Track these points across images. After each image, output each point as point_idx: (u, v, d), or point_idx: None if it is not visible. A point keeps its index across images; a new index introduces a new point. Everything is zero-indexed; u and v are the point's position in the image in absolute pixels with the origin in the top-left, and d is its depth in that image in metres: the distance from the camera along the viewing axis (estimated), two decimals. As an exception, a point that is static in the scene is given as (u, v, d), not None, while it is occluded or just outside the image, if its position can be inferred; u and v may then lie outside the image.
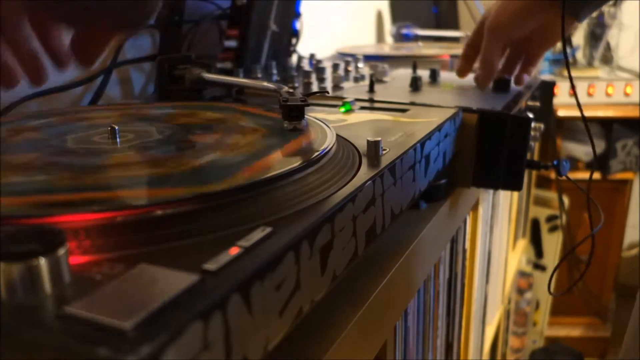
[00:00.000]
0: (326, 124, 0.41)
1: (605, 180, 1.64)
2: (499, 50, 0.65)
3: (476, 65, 0.68)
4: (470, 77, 0.71)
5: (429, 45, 1.22)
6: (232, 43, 0.74)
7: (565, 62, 0.62)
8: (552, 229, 1.66)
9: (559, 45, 1.71)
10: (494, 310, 1.05)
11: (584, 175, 1.60)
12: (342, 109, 0.51)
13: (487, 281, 0.88)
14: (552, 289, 1.65)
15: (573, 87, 0.57)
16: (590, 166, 1.62)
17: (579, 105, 0.57)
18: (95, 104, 0.62)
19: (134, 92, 0.73)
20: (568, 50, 1.65)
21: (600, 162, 1.62)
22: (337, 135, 0.39)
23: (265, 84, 0.52)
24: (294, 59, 0.89)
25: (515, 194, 1.11)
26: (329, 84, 0.67)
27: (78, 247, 0.23)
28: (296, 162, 0.31)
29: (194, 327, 0.18)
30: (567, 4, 0.57)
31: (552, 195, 1.64)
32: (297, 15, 0.88)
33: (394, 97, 0.59)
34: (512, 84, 0.67)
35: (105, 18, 0.39)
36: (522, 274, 1.46)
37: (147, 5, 0.39)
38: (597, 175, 1.61)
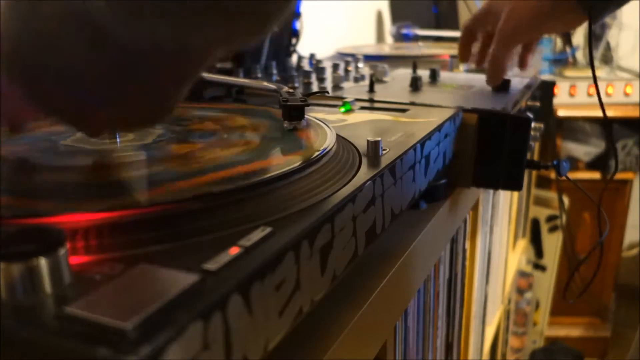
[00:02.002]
0: (326, 124, 0.41)
1: (606, 180, 1.64)
2: (511, 54, 0.64)
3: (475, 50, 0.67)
4: (470, 78, 0.71)
5: (429, 45, 1.22)
6: (232, 43, 0.74)
7: (590, 63, 0.61)
8: (552, 229, 1.66)
9: (558, 44, 1.69)
10: (494, 310, 1.05)
11: (583, 175, 1.60)
12: (342, 109, 0.51)
13: (487, 281, 0.88)
14: (552, 290, 1.63)
15: (596, 85, 0.57)
16: (591, 166, 1.63)
17: (601, 105, 0.57)
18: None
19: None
20: (568, 50, 1.65)
21: (600, 162, 1.62)
22: (337, 135, 0.39)
23: (265, 84, 0.52)
24: (294, 59, 0.89)
25: (515, 194, 1.11)
26: (329, 84, 0.67)
27: (78, 247, 0.23)
28: (296, 162, 0.31)
29: (194, 327, 0.18)
30: (584, 5, 0.56)
31: (552, 195, 1.64)
32: (297, 15, 0.88)
33: (394, 97, 0.59)
34: (511, 85, 0.67)
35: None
36: (522, 274, 1.46)
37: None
38: (596, 175, 1.61)
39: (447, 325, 0.63)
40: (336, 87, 0.65)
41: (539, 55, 1.51)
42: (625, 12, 1.67)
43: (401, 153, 0.37)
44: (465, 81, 0.70)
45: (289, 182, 0.30)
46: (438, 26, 1.56)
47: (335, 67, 0.77)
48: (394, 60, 0.99)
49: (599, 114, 0.60)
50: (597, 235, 0.56)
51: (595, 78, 0.58)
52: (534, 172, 1.42)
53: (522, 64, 0.68)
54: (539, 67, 1.52)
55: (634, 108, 1.52)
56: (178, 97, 0.28)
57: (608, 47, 1.71)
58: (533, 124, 0.55)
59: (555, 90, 1.49)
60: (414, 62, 0.77)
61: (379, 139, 0.37)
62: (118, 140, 0.36)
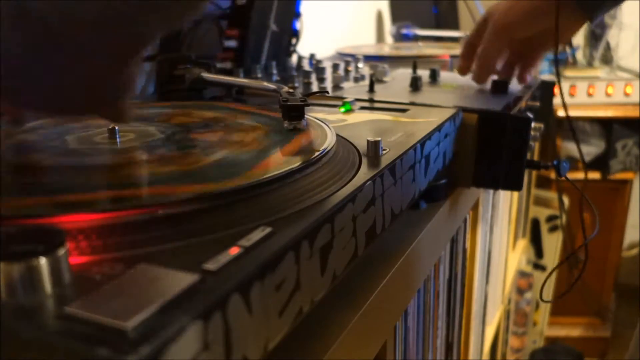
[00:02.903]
0: (326, 124, 0.41)
1: (605, 180, 1.64)
2: (500, 50, 0.64)
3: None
4: (469, 78, 0.71)
5: (429, 45, 1.22)
6: (232, 43, 0.74)
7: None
8: (552, 229, 1.66)
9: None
10: (494, 310, 1.05)
11: (583, 175, 1.61)
12: (342, 109, 0.51)
13: (487, 281, 0.88)
14: (552, 290, 1.63)
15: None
16: (591, 166, 1.63)
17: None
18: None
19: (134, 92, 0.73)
20: (568, 50, 1.65)
21: (600, 162, 1.62)
22: (337, 135, 0.39)
23: (265, 84, 0.52)
24: (294, 59, 0.89)
25: (515, 194, 1.11)
26: (329, 84, 0.67)
27: (78, 247, 0.23)
28: (296, 162, 0.31)
29: (194, 327, 0.18)
30: (581, 4, 0.56)
31: (552, 195, 1.64)
32: (297, 15, 0.88)
33: (394, 97, 0.59)
34: (511, 85, 0.67)
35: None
36: (522, 274, 1.46)
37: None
38: (597, 175, 1.61)
39: (447, 325, 0.63)
40: (336, 87, 0.65)
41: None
42: (625, 12, 1.67)
43: (401, 153, 0.37)
44: (465, 81, 0.70)
45: (289, 182, 0.30)
46: (438, 26, 1.56)
47: (335, 67, 0.77)
48: (394, 60, 0.99)
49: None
50: (597, 235, 0.56)
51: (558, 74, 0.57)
52: (534, 172, 1.42)
53: (521, 79, 0.68)
54: (539, 67, 1.52)
55: (634, 108, 1.52)
56: (117, 85, 0.28)
57: (608, 47, 1.71)
58: (533, 124, 0.55)
59: (555, 90, 1.49)
60: (414, 62, 0.77)
61: (379, 139, 0.37)
62: (118, 140, 0.36)
